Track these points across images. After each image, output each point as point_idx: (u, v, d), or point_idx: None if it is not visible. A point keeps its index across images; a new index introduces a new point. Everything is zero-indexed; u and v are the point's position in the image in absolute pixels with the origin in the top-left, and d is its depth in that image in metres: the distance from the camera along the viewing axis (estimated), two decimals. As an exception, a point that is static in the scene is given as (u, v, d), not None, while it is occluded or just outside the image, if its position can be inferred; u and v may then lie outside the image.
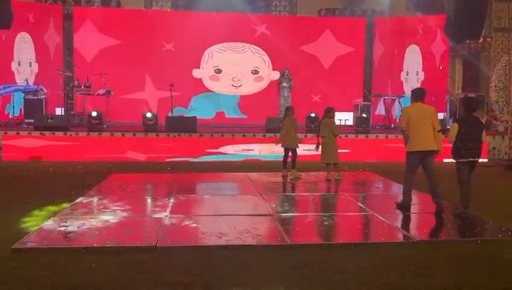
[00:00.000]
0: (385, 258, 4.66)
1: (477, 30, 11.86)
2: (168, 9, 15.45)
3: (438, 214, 6.26)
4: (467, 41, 14.16)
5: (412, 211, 6.71)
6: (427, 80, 14.88)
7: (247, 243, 4.99)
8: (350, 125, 13.75)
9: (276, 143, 9.10)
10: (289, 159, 8.98)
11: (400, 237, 5.46)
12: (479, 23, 11.66)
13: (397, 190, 8.25)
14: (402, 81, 15.38)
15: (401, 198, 6.64)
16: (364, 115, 13.10)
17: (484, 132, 6.14)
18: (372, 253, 4.81)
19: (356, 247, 5.03)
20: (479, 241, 5.18)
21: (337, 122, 9.68)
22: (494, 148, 12.20)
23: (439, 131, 6.26)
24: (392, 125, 13.64)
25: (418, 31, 15.03)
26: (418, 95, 6.44)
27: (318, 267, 4.40)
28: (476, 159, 6.07)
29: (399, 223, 6.07)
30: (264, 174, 9.28)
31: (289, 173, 8.96)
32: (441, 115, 14.43)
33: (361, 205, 7.01)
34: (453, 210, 6.36)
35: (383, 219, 6.10)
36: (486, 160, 11.89)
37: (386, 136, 12.15)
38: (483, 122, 6.41)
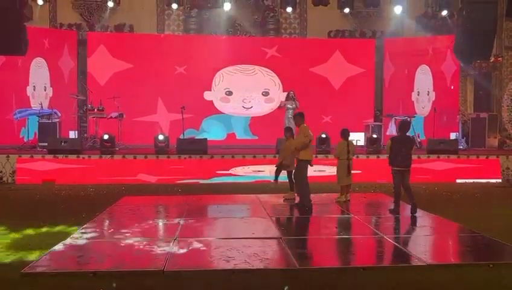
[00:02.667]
0: (395, 283, 4.61)
1: (486, 50, 11.82)
2: (179, 34, 15.71)
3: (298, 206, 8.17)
4: (478, 61, 14.10)
5: (423, 234, 6.65)
6: (438, 100, 14.85)
7: (254, 267, 4.97)
8: (361, 146, 13.69)
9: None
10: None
11: (410, 260, 5.37)
12: (488, 42, 11.64)
13: (409, 212, 8.16)
14: (413, 101, 15.36)
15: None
16: (375, 136, 13.06)
17: (413, 148, 7.79)
18: (383, 277, 4.76)
19: (366, 271, 4.97)
20: (491, 265, 5.08)
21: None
22: (508, 168, 12.02)
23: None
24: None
25: (428, 52, 15.06)
26: (300, 119, 8.32)
27: (326, 292, 4.36)
28: (407, 169, 7.54)
29: (410, 246, 5.99)
30: (274, 196, 9.25)
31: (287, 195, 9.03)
32: (453, 135, 14.35)
33: (372, 227, 6.95)
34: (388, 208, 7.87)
35: (394, 242, 6.03)
36: (500, 180, 11.74)
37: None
38: (413, 140, 8.32)
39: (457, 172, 11.83)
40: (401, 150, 7.50)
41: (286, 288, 4.08)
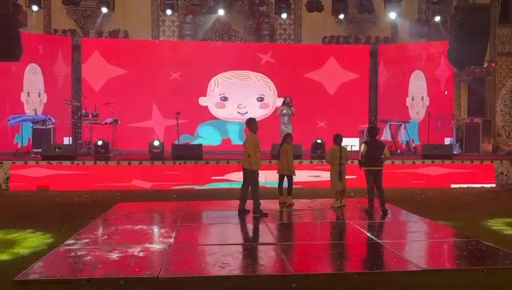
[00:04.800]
0: (390, 288, 4.60)
1: (480, 56, 11.91)
2: (174, 39, 15.72)
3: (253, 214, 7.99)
4: (472, 67, 14.20)
5: (418, 239, 6.66)
6: (432, 105, 14.93)
7: (249, 274, 4.95)
8: (356, 151, 13.71)
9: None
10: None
11: (405, 265, 5.37)
12: (481, 48, 11.72)
13: (404, 217, 8.21)
14: (407, 107, 15.43)
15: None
16: (370, 141, 13.06)
17: (385, 150, 8.23)
18: (378, 282, 4.75)
19: (361, 276, 4.96)
20: (485, 270, 5.09)
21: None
22: (502, 173, 12.08)
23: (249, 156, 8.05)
24: (399, 151, 13.59)
25: (422, 57, 15.16)
26: (250, 126, 8.22)
27: (321, 298, 4.35)
28: (380, 168, 8.16)
29: (405, 252, 5.99)
30: (269, 202, 9.22)
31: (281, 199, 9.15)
32: (447, 140, 14.41)
33: (366, 232, 6.95)
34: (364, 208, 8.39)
35: (389, 247, 6.03)
36: (494, 185, 11.79)
37: (392, 162, 12.08)
38: (384, 144, 8.61)
39: (451, 177, 11.86)
40: (374, 152, 8.16)
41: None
